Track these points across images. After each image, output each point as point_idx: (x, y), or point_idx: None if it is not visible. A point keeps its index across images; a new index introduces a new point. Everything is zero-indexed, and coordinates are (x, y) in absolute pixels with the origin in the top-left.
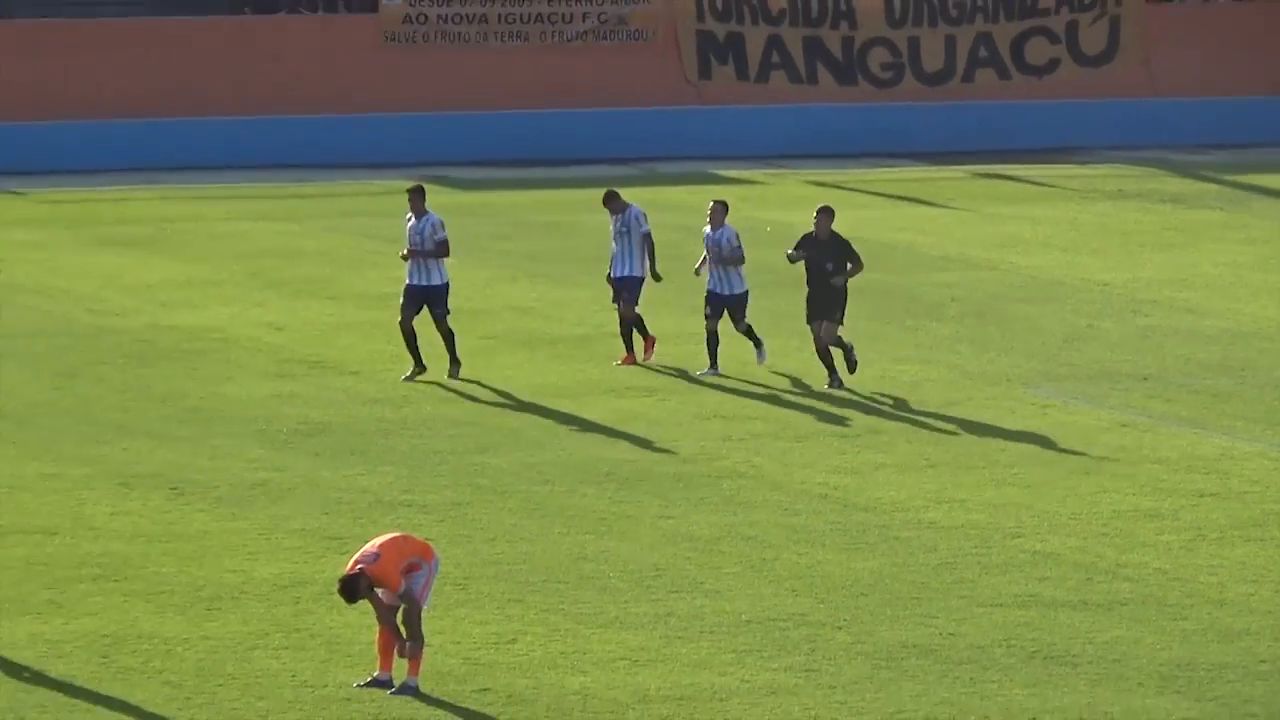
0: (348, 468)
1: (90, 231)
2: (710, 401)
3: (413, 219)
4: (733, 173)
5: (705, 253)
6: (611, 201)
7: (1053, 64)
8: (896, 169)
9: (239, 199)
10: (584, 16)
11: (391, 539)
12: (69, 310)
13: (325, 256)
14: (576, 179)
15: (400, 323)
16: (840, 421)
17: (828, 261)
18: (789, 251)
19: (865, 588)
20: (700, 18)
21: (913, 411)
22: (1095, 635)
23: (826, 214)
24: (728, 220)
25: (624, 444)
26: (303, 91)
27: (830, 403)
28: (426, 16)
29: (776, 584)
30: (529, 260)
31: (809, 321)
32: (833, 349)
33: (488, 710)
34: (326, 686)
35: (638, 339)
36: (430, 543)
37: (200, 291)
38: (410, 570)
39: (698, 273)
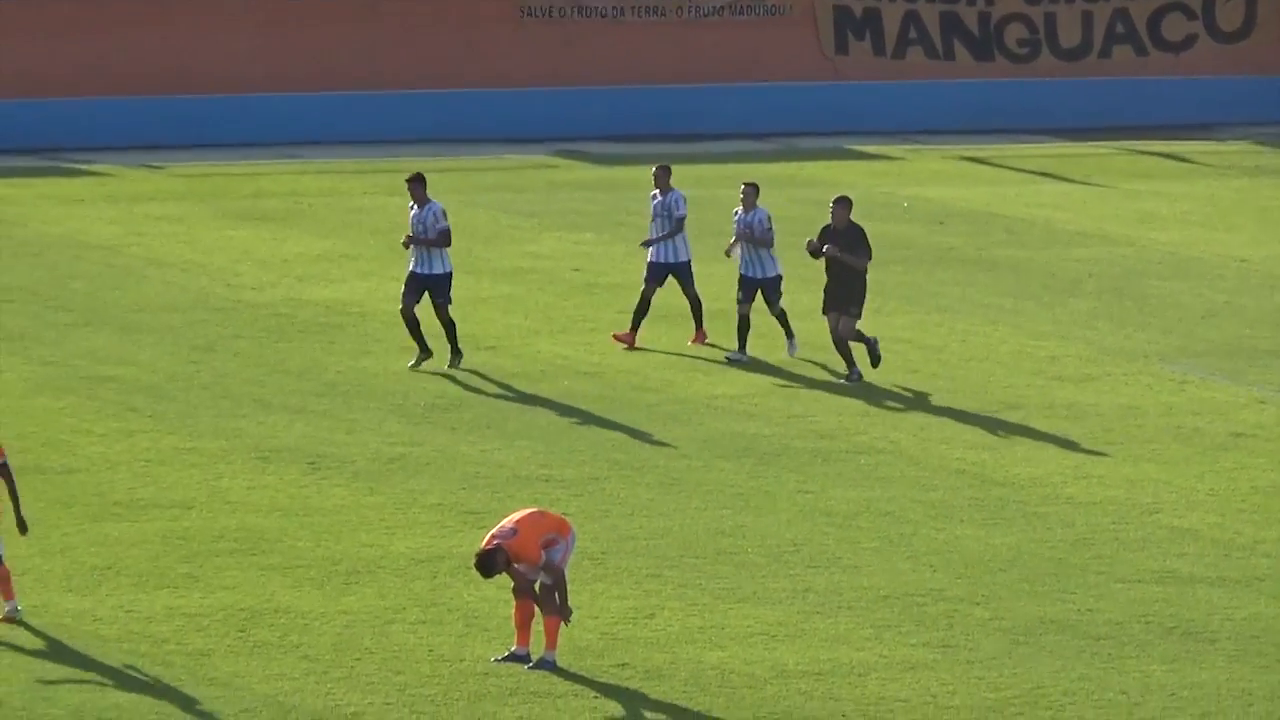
0: (484, 442)
1: (227, 205)
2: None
3: (415, 207)
4: (869, 148)
5: (735, 235)
6: (662, 178)
7: (1190, 40)
8: (1033, 145)
9: (376, 173)
10: None
11: (528, 514)
12: (206, 284)
13: (461, 231)
14: (712, 154)
15: (401, 310)
16: (978, 397)
17: (845, 249)
18: (809, 241)
19: (1003, 563)
20: None
21: (1050, 387)
22: (1233, 612)
23: (843, 204)
24: (759, 203)
25: (761, 419)
26: (440, 66)
27: (968, 378)
28: None
29: (914, 559)
30: None
31: (824, 312)
32: (853, 343)
33: (625, 685)
34: (464, 661)
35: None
36: (567, 518)
37: (337, 266)
38: (548, 545)
39: (729, 255)
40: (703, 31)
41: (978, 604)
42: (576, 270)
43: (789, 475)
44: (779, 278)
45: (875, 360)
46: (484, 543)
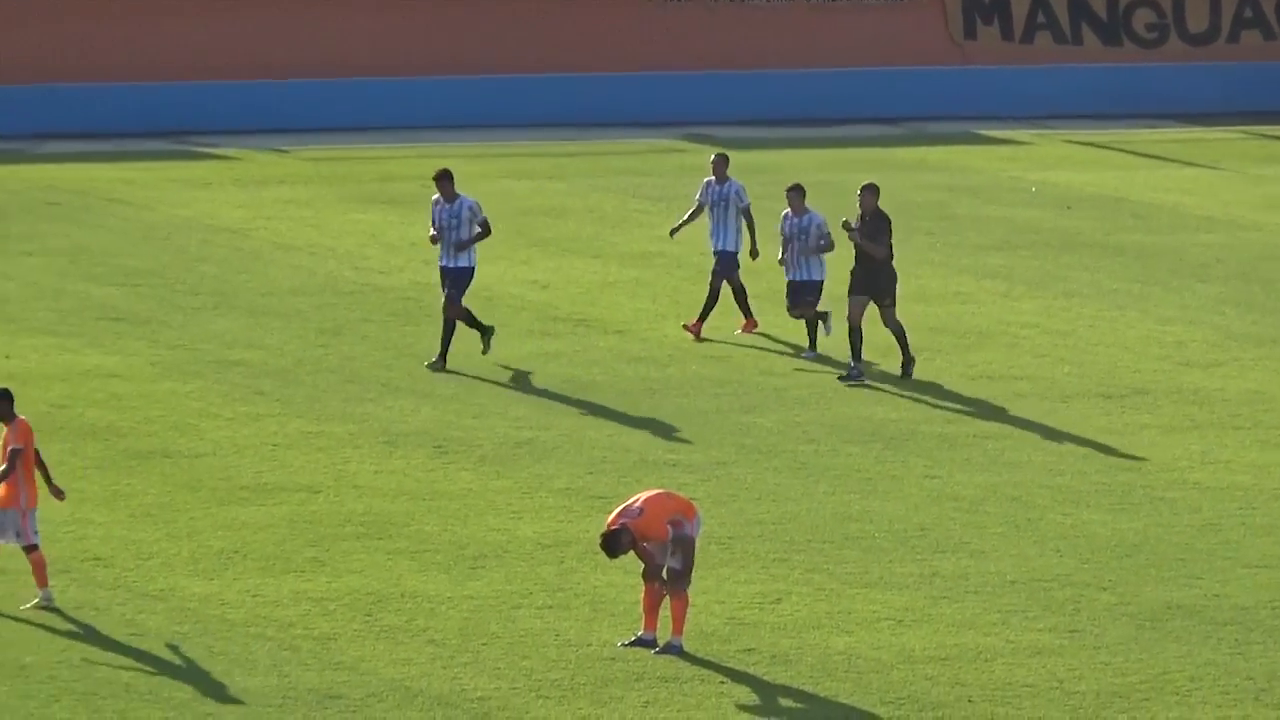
0: (611, 426)
1: (354, 189)
2: (977, 362)
3: (442, 201)
4: (997, 133)
5: (783, 239)
6: (720, 167)
7: None
8: (1161, 129)
9: (503, 157)
10: None
11: (655, 495)
12: (333, 268)
13: (590, 214)
14: (842, 138)
15: (443, 307)
16: (1105, 382)
17: (868, 237)
18: (845, 221)
19: (1129, 548)
20: None
21: (1177, 372)
22: None
23: (870, 191)
24: (810, 206)
25: (888, 404)
26: (569, 50)
27: (1095, 363)
28: None
29: (1041, 544)
30: None
31: (850, 294)
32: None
33: (752, 670)
34: (590, 645)
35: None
36: (694, 502)
37: None
38: (674, 526)
39: (782, 262)
40: (832, 16)
41: (1104, 589)
42: (704, 254)
43: (916, 460)
44: (820, 282)
45: (853, 377)
46: (609, 522)
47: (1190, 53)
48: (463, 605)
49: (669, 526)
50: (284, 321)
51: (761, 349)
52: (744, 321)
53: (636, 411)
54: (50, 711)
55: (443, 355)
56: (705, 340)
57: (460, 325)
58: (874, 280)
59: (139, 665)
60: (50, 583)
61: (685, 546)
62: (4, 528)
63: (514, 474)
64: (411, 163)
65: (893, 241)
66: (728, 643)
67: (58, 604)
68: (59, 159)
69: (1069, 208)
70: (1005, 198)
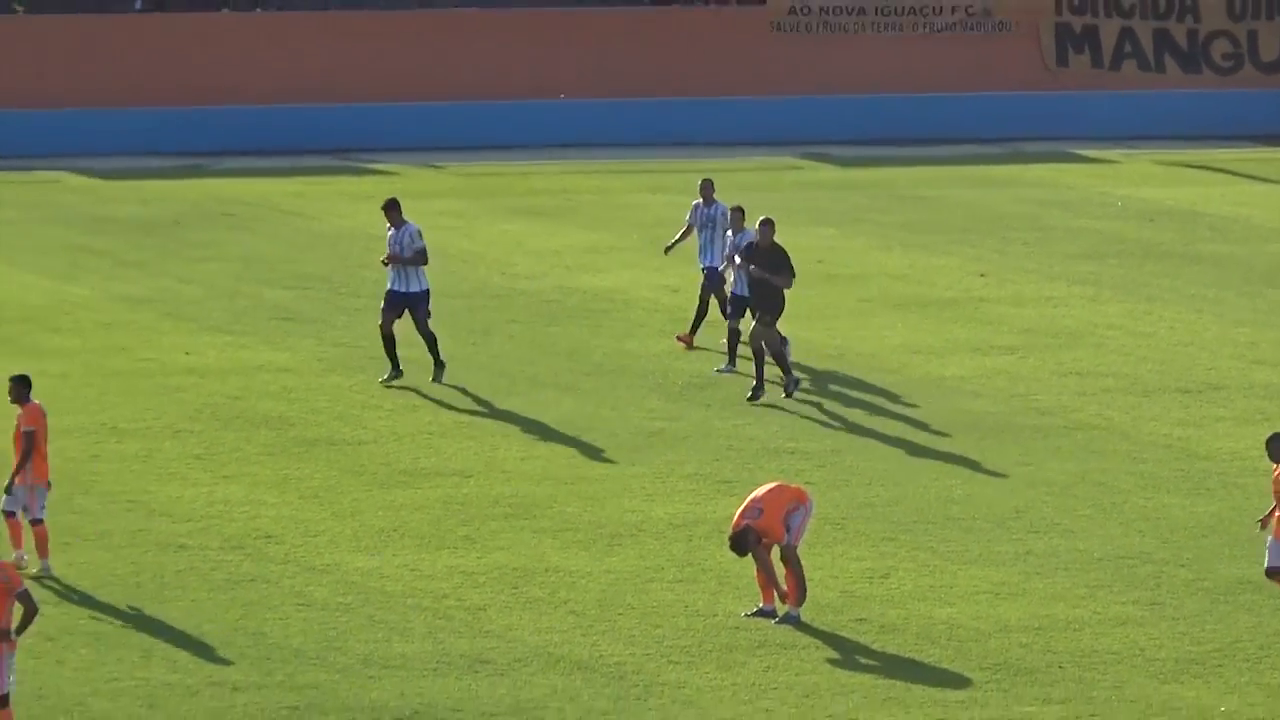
0: (736, 418)
1: (503, 202)
2: (1067, 360)
3: (391, 229)
4: (1087, 151)
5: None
6: (707, 190)
7: None
8: (1236, 149)
9: (639, 173)
10: (952, 9)
11: (770, 491)
12: (483, 273)
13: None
14: (946, 157)
15: (380, 326)
16: (1183, 378)
17: (765, 269)
18: (736, 260)
19: (1205, 529)
20: (1059, 11)
21: (1249, 369)
22: None
23: (767, 225)
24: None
25: (986, 398)
26: (700, 77)
27: (1175, 361)
28: (810, 8)
29: (1125, 525)
30: (903, 230)
31: (755, 318)
32: (770, 356)
33: (862, 639)
34: (716, 616)
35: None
36: (805, 487)
37: (603, 257)
38: (789, 514)
39: (722, 275)
40: (936, 45)
41: (1182, 566)
42: (820, 262)
43: (1012, 449)
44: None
45: (788, 388)
46: (734, 524)
47: (1262, 80)
48: (601, 579)
49: (785, 530)
50: (438, 322)
51: (873, 352)
52: (686, 335)
53: (760, 404)
54: (228, 674)
55: (395, 365)
56: (698, 349)
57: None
58: (764, 302)
59: (306, 633)
60: (222, 556)
61: (791, 554)
62: (17, 500)
63: (647, 461)
64: (554, 178)
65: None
66: (840, 613)
67: (225, 575)
68: (235, 174)
69: (1152, 220)
70: (1094, 211)
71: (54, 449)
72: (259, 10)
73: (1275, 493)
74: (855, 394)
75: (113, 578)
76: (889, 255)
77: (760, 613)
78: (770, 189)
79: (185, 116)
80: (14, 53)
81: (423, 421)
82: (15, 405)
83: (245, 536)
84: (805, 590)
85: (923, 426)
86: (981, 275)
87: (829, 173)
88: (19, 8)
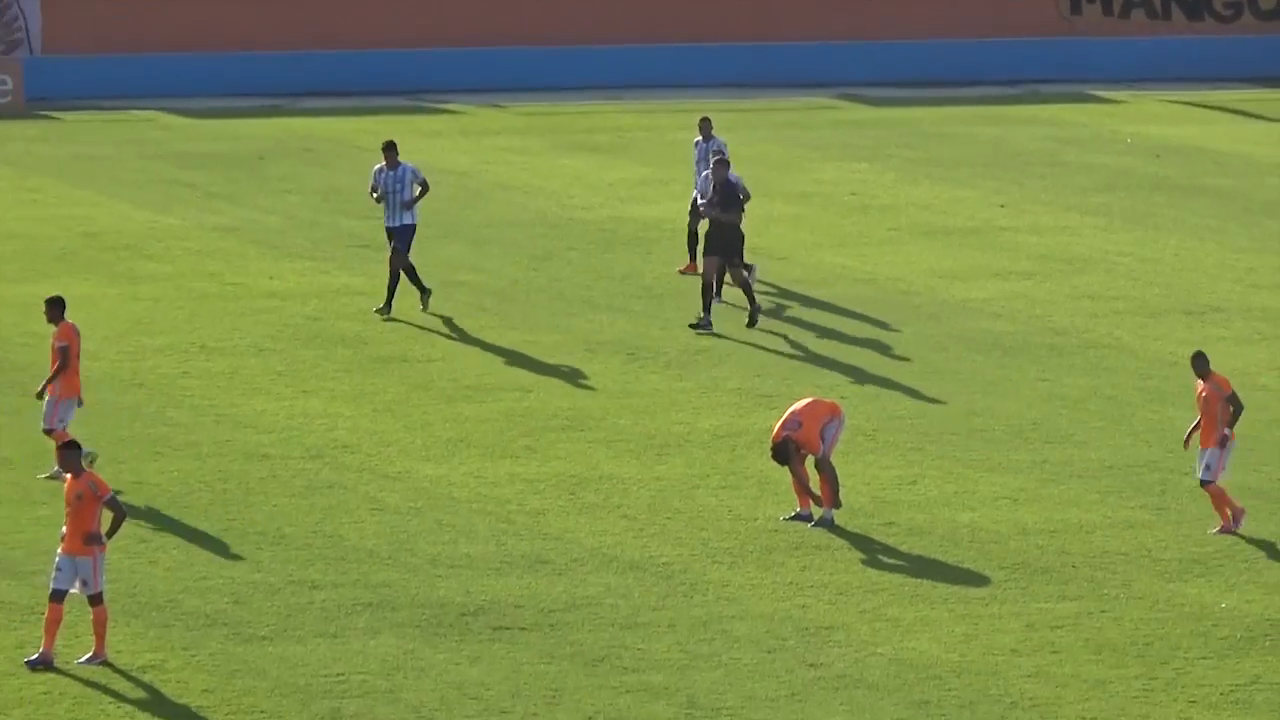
0: (775, 337)
1: (561, 139)
2: (1080, 284)
3: (385, 169)
4: (1099, 93)
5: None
6: (705, 128)
7: None
8: (1236, 90)
9: (685, 112)
10: None
11: (807, 405)
12: (542, 204)
13: (759, 161)
14: (969, 97)
15: (390, 259)
16: (1187, 301)
17: (720, 205)
18: (700, 204)
19: None
20: None
21: (1248, 293)
22: None
23: (721, 165)
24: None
25: (1006, 319)
26: (744, 22)
27: (1179, 285)
28: None
29: (1134, 436)
30: (929, 165)
31: (704, 255)
32: (735, 287)
33: (890, 541)
34: (757, 520)
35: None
36: (839, 402)
37: (654, 189)
38: (824, 427)
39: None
40: None
41: (1185, 474)
42: (853, 194)
43: (1029, 366)
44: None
45: (752, 318)
46: (774, 435)
47: (1261, 26)
48: (651, 486)
49: (822, 442)
50: (501, 249)
51: (901, 276)
52: (688, 263)
53: (796, 324)
54: (307, 573)
55: (388, 303)
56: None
57: (403, 277)
58: (726, 243)
59: (379, 535)
60: (302, 464)
61: (825, 463)
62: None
63: (694, 376)
64: (610, 117)
65: (745, 207)
66: (871, 517)
67: (305, 482)
68: (314, 113)
69: (1158, 156)
70: (1105, 147)
71: (147, 367)
72: None
73: (1199, 407)
74: (885, 315)
75: (201, 484)
76: (916, 188)
77: (797, 517)
78: (808, 127)
79: (268, 61)
80: (111, 3)
81: (487, 341)
82: (51, 324)
83: (323, 446)
84: (838, 496)
85: (947, 345)
86: (1001, 206)
87: (862, 112)
88: None
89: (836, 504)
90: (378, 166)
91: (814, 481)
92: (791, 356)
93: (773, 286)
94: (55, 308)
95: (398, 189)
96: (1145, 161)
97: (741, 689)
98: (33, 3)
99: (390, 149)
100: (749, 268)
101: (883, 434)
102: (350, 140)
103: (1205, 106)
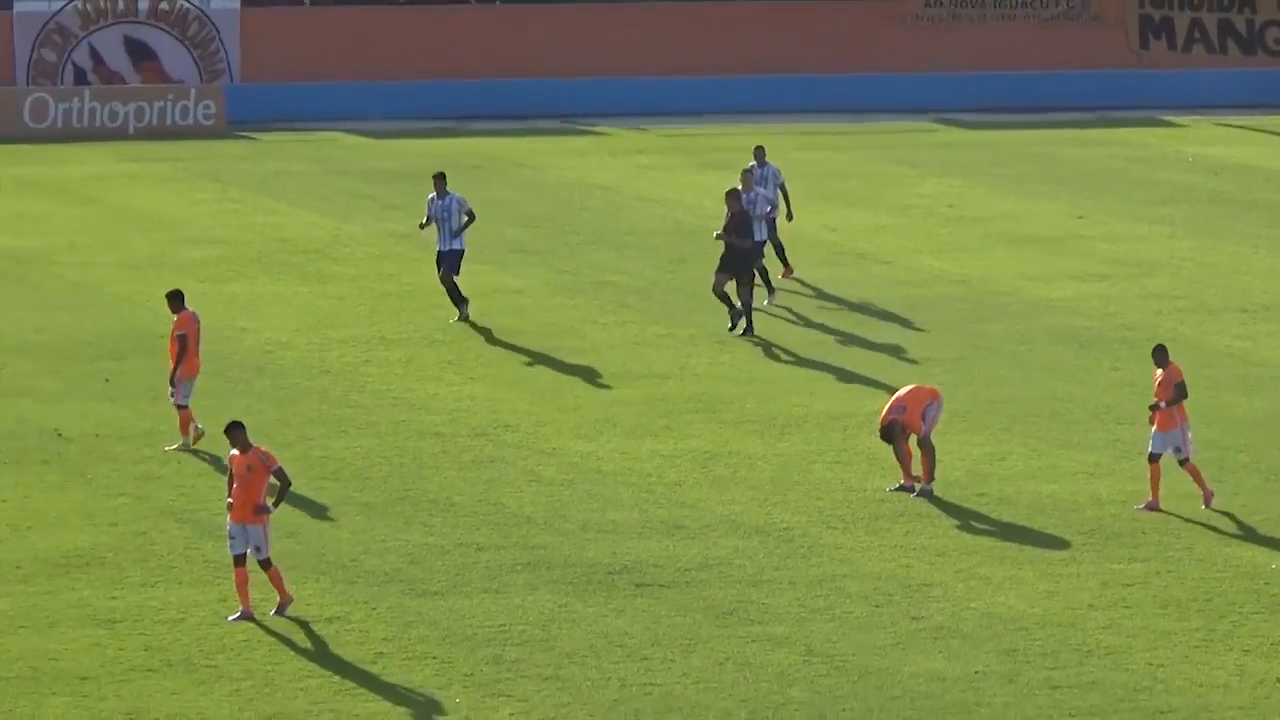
0: (883, 331)
1: (694, 158)
2: (1148, 285)
3: (435, 197)
4: (1164, 118)
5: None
6: (759, 155)
7: None
8: None
9: (804, 134)
10: (1056, 3)
11: (910, 391)
12: (679, 215)
13: (867, 177)
14: (1050, 122)
15: (440, 277)
16: (1242, 300)
17: (733, 233)
18: (716, 233)
19: (1260, 421)
20: (1141, 5)
21: None
22: None
23: (733, 196)
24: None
25: (1083, 315)
26: (853, 57)
27: (1235, 286)
28: (942, 2)
29: (1195, 417)
30: (1016, 181)
31: (717, 272)
32: (738, 301)
33: (982, 509)
34: (866, 491)
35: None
36: (938, 388)
37: None
38: (925, 409)
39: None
40: (1044, 32)
41: (1240, 451)
42: (950, 206)
43: (1103, 356)
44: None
45: (734, 318)
46: (882, 418)
47: None
48: (773, 461)
49: (923, 423)
50: (643, 254)
51: (992, 278)
52: (783, 270)
53: (901, 320)
54: (473, 537)
55: (461, 310)
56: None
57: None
58: (737, 264)
59: (536, 504)
60: (469, 442)
61: (926, 442)
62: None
63: (810, 365)
64: (736, 138)
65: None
66: (965, 489)
67: (471, 457)
68: (480, 134)
69: (1217, 173)
70: (1170, 166)
71: (333, 356)
72: (498, 3)
73: (1156, 393)
74: (977, 311)
75: (380, 459)
76: (1005, 201)
77: (901, 488)
78: (911, 148)
79: (439, 88)
80: (301, 37)
81: (630, 334)
82: (173, 314)
83: (487, 426)
84: (937, 470)
85: (1032, 338)
86: (1079, 217)
87: (958, 135)
88: (305, 1)
89: (934, 477)
90: (430, 195)
91: (916, 458)
92: (896, 348)
93: (880, 287)
94: (176, 300)
95: (446, 216)
96: (1205, 178)
97: (852, 639)
98: (232, 37)
99: (440, 179)
100: (771, 292)
101: (975, 416)
102: (510, 158)
103: (1258, 130)
